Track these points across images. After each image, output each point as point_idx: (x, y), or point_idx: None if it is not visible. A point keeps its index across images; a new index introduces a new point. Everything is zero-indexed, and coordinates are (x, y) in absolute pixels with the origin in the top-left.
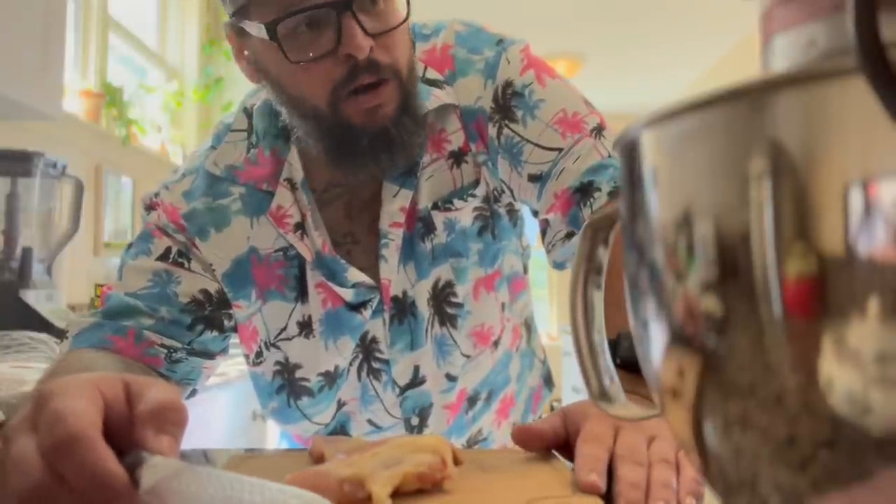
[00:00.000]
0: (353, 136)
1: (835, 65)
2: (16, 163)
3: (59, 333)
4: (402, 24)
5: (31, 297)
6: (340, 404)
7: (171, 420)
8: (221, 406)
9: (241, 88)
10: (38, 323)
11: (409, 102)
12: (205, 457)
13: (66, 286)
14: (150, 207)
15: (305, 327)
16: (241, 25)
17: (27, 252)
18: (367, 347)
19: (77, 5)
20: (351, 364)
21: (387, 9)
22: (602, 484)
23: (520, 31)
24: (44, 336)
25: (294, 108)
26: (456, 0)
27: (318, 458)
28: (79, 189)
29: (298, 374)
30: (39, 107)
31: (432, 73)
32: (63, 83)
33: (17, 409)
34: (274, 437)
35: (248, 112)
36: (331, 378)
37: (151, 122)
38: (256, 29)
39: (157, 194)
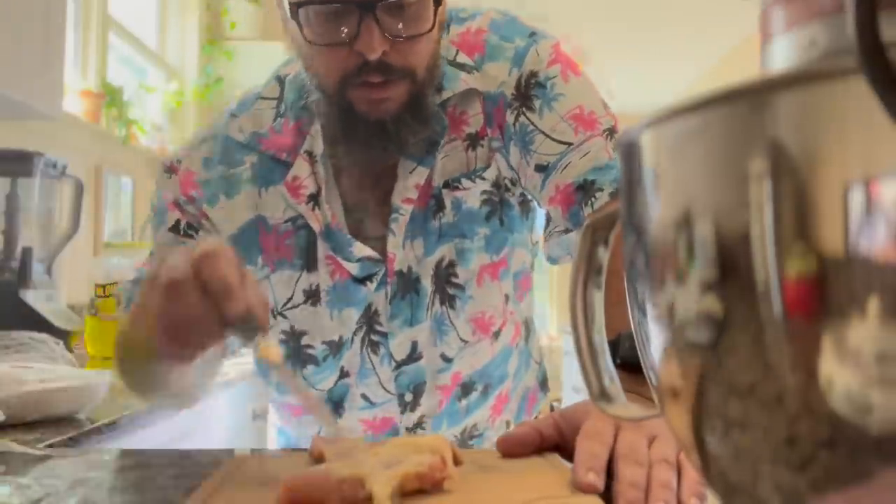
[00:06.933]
0: (351, 120)
1: (835, 65)
2: (16, 163)
3: (59, 333)
4: (426, 33)
5: (31, 297)
6: (343, 373)
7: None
8: (221, 406)
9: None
10: (38, 323)
11: (419, 102)
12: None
13: (66, 286)
14: (170, 170)
15: (312, 296)
16: None
17: (27, 252)
18: (369, 318)
19: (77, 5)
20: (355, 334)
21: (416, 14)
22: (600, 484)
23: None
24: (44, 336)
25: (312, 79)
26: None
27: (318, 458)
28: (79, 189)
29: (304, 340)
30: (39, 107)
31: (463, 58)
32: (63, 83)
33: (17, 409)
34: (274, 437)
35: (280, 80)
36: (335, 347)
37: (151, 122)
38: (285, 2)
39: (178, 159)
